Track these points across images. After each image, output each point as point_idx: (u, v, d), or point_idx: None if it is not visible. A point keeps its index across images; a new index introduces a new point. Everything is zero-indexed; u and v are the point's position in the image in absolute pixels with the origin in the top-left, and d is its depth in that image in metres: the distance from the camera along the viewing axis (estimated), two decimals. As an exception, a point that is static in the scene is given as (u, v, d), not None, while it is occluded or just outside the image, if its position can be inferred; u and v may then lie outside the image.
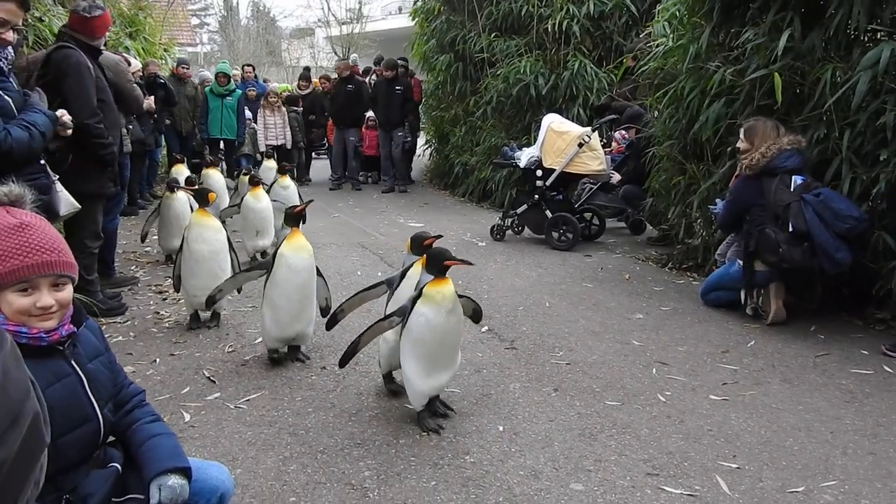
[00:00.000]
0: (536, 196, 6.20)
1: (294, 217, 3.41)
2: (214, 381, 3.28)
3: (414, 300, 2.63)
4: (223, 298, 3.82)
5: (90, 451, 1.64)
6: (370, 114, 9.97)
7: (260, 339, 3.80)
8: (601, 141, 6.53)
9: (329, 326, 3.13)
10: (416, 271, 2.87)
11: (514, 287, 4.91)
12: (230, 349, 3.71)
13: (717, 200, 4.37)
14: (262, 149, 9.60)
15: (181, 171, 6.69)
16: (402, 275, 2.94)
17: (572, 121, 6.69)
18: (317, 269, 3.43)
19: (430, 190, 10.10)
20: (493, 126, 8.31)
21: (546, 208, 6.20)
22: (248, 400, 3.08)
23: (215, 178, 6.50)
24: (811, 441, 2.70)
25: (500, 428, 2.82)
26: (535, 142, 6.41)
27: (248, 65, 11.95)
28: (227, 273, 3.99)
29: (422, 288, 2.63)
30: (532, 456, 2.60)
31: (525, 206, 6.32)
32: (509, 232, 6.55)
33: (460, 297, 2.78)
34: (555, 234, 6.12)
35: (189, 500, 1.68)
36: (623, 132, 6.96)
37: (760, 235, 3.89)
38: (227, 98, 9.43)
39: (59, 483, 1.57)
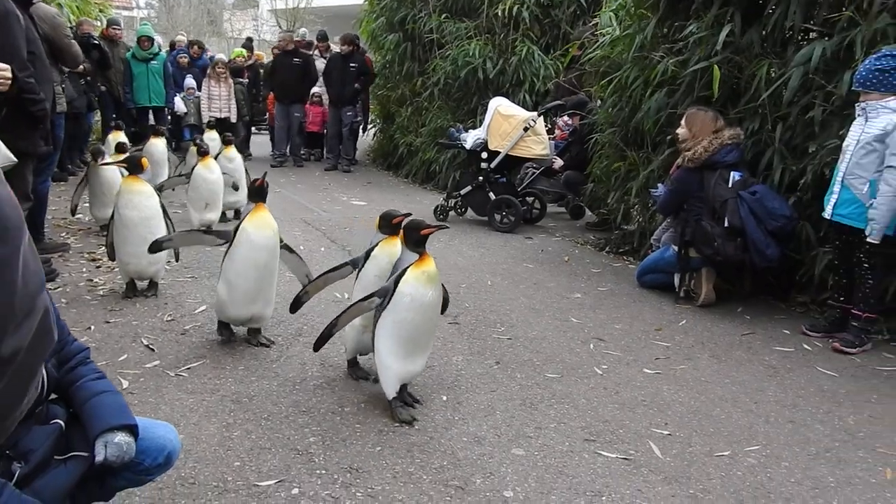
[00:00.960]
0: (480, 178, 6.27)
1: (258, 191, 3.26)
2: (153, 350, 3.21)
3: (397, 280, 2.55)
4: (171, 248, 3.71)
5: (32, 406, 1.59)
6: (315, 89, 9.75)
7: (202, 309, 3.74)
8: (545, 127, 6.65)
9: (293, 310, 3.03)
10: (381, 251, 2.83)
11: (457, 266, 4.96)
12: (169, 318, 3.62)
13: (659, 185, 4.53)
14: (206, 120, 9.27)
15: (119, 139, 6.41)
16: (367, 255, 2.87)
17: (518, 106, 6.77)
18: (288, 246, 3.36)
19: (373, 170, 10.04)
20: (440, 108, 8.31)
21: (489, 190, 6.28)
22: (188, 368, 3.02)
23: (159, 148, 6.24)
24: (736, 410, 2.87)
25: (444, 398, 2.87)
26: (480, 125, 6.47)
27: (195, 42, 10.62)
28: None
29: (406, 267, 2.56)
30: (475, 423, 2.66)
31: (469, 188, 6.38)
32: (452, 213, 6.61)
33: None
34: (497, 216, 6.21)
35: (135, 459, 1.66)
36: (567, 119, 7.11)
37: (697, 227, 4.06)
38: (152, 62, 8.96)
39: (-3, 438, 1.52)
